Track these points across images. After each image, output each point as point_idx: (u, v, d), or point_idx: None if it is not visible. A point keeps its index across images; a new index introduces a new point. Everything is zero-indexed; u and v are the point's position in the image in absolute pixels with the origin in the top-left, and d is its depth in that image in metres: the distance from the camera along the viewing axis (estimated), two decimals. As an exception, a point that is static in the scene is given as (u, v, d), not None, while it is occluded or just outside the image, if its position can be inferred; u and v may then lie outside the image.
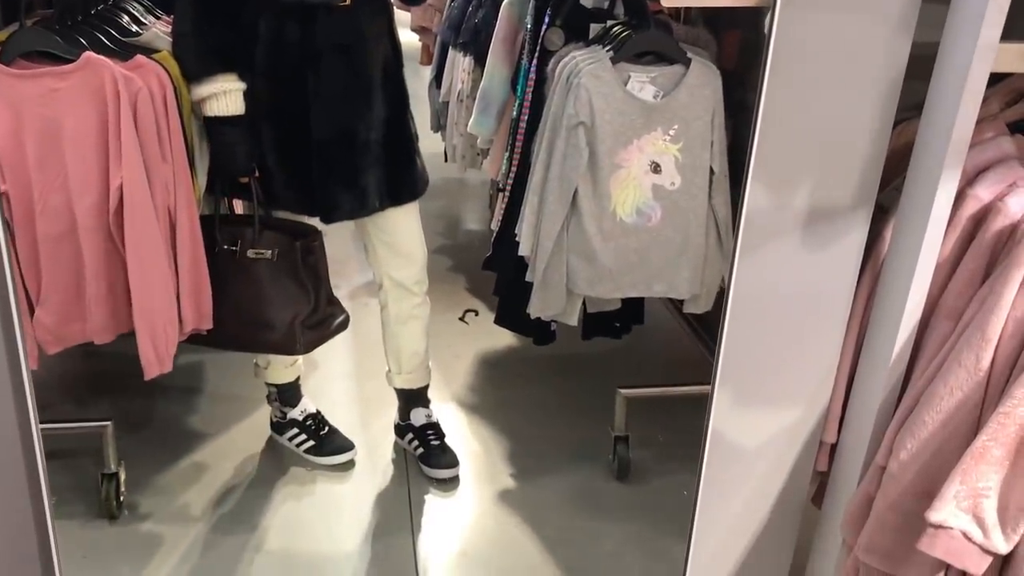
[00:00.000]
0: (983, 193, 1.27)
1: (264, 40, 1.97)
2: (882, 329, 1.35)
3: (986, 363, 1.20)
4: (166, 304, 1.93)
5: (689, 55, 2.11)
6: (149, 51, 1.99)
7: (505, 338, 2.95)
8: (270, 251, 2.07)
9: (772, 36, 1.07)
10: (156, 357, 1.94)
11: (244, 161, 2.02)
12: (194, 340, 2.09)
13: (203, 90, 1.95)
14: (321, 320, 2.16)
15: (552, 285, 2.21)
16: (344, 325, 2.22)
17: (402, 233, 2.26)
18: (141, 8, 2.25)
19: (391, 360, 2.42)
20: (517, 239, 2.25)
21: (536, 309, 2.25)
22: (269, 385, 2.46)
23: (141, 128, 1.86)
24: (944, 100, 1.12)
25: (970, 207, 1.28)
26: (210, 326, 2.07)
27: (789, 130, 1.18)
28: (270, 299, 2.08)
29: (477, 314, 3.23)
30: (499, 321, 2.57)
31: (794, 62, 1.12)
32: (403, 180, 2.19)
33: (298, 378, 2.47)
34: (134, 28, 2.11)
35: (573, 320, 2.29)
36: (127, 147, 1.82)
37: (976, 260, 1.26)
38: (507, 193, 2.43)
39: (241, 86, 1.98)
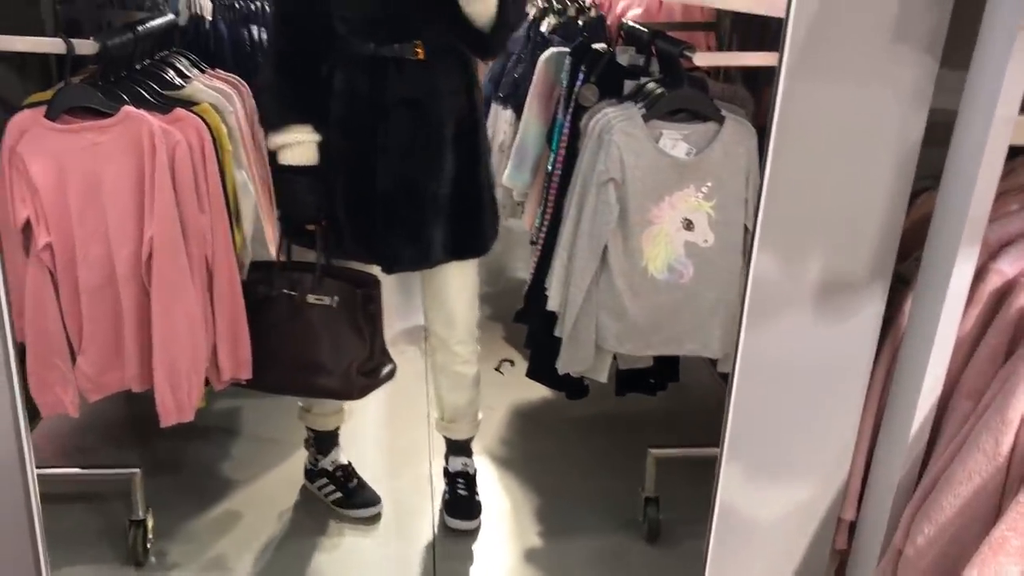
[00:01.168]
0: (1006, 268, 1.23)
1: (338, 93, 1.99)
2: (901, 406, 1.30)
3: (1006, 448, 1.14)
4: (190, 352, 1.96)
5: (723, 112, 2.09)
6: (191, 104, 2.05)
7: (539, 390, 2.92)
8: (330, 298, 2.09)
9: (776, 106, 1.05)
10: (175, 405, 1.97)
11: (313, 210, 2.05)
12: (249, 385, 2.13)
13: (278, 140, 1.99)
14: (375, 367, 2.17)
15: (581, 341, 2.19)
16: (392, 374, 2.23)
17: (451, 290, 2.23)
18: (187, 62, 2.32)
19: (435, 405, 2.44)
20: (547, 293, 2.24)
21: (565, 364, 2.24)
22: (309, 430, 2.48)
23: (178, 180, 1.91)
24: (961, 176, 1.08)
25: (992, 282, 1.23)
26: (249, 375, 2.10)
27: (797, 199, 1.16)
28: (329, 344, 2.10)
29: (513, 364, 3.21)
30: (531, 374, 2.56)
31: (801, 132, 1.10)
32: (469, 236, 2.15)
33: (338, 428, 2.48)
34: (178, 81, 2.18)
35: (603, 377, 2.26)
36: (160, 199, 1.87)
37: (998, 337, 1.21)
38: (539, 246, 2.43)
39: (315, 138, 2.01)
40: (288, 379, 2.13)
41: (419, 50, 1.94)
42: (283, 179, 2.05)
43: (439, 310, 2.27)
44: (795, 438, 1.36)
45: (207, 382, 2.08)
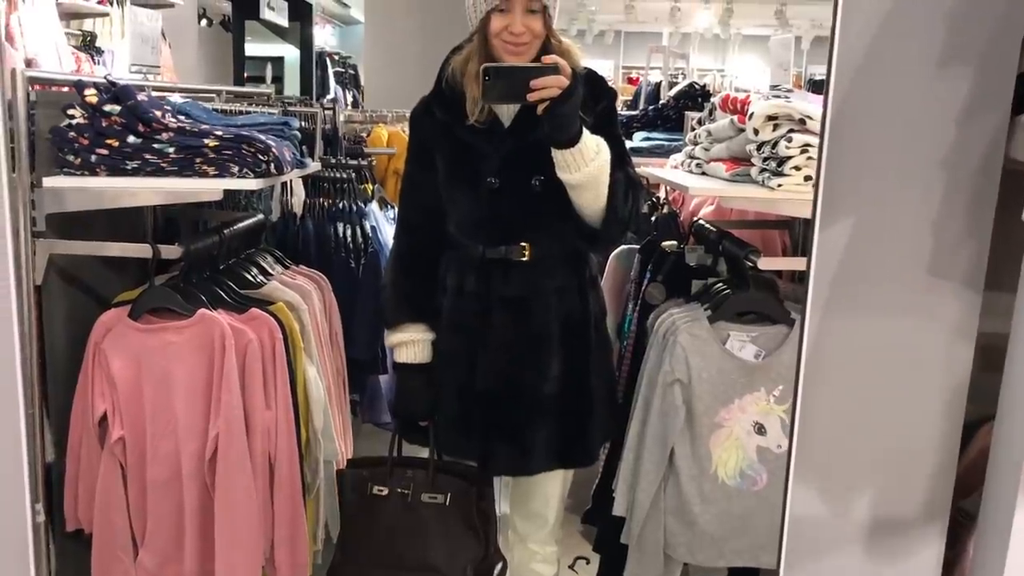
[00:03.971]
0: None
1: (450, 293, 2.02)
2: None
3: None
4: (249, 554, 1.95)
5: (793, 315, 2.05)
6: (267, 303, 2.13)
7: (614, 592, 2.77)
8: (443, 495, 2.04)
9: (804, 342, 1.01)
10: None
11: (425, 407, 2.05)
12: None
13: (394, 338, 2.04)
14: (489, 567, 2.09)
15: (648, 549, 2.09)
16: (504, 572, 2.14)
17: (542, 492, 2.13)
18: (271, 259, 2.43)
19: None
20: (614, 495, 2.16)
21: (633, 574, 2.13)
22: None
23: (247, 377, 1.97)
24: (1015, 414, 1.01)
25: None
26: (306, 576, 2.06)
27: (835, 435, 1.09)
28: (443, 545, 2.04)
29: (588, 563, 3.07)
30: (601, 579, 2.44)
31: (833, 367, 1.05)
32: (575, 442, 2.03)
33: None
34: (260, 278, 2.28)
35: (673, 588, 2.14)
36: (227, 400, 1.91)
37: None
38: (607, 446, 2.37)
39: (429, 336, 2.04)
40: None
41: (526, 251, 1.94)
42: (399, 376, 2.07)
43: (524, 506, 2.18)
44: None
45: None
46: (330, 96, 10.58)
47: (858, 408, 1.07)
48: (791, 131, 1.95)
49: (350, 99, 11.14)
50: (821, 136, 0.97)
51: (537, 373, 1.99)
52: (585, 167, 1.79)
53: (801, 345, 1.00)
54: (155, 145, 1.95)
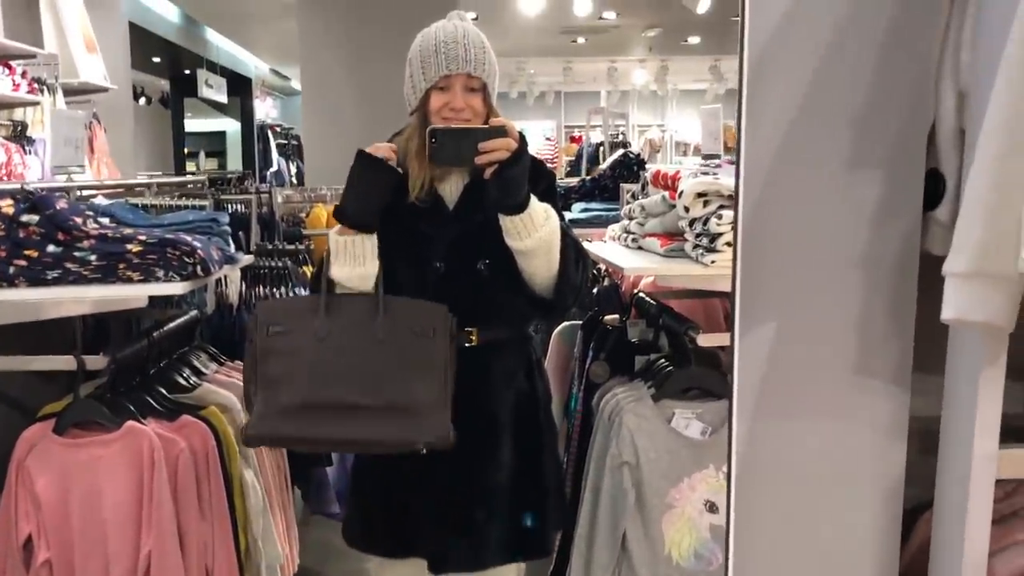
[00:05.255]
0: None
1: None
2: None
3: None
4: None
5: (736, 388, 2.03)
6: (198, 408, 2.07)
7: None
8: None
9: (732, 448, 0.99)
10: None
11: (377, 202, 1.83)
12: None
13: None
14: None
15: (606, 639, 2.03)
16: None
17: None
18: (206, 356, 2.37)
19: None
20: (568, 585, 2.11)
21: (591, 665, 2.07)
22: None
23: (180, 489, 1.89)
24: (950, 514, 0.99)
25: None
26: None
27: (772, 543, 1.06)
28: None
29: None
30: (561, 670, 2.36)
31: (768, 472, 1.02)
32: (530, 533, 1.93)
33: None
34: (193, 380, 2.22)
35: (633, 677, 2.07)
36: (158, 514, 1.84)
37: None
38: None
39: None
40: None
41: (472, 336, 1.87)
42: (351, 176, 1.82)
43: None
44: None
45: None
46: (273, 168, 10.57)
47: (794, 513, 1.04)
48: (721, 207, 1.96)
49: (294, 170, 11.14)
50: (734, 243, 0.97)
51: (488, 462, 1.91)
52: (536, 232, 1.73)
53: (730, 454, 0.98)
54: (76, 253, 1.89)
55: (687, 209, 2.01)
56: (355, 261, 1.82)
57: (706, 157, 2.76)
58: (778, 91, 0.94)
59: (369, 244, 1.82)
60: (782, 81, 0.94)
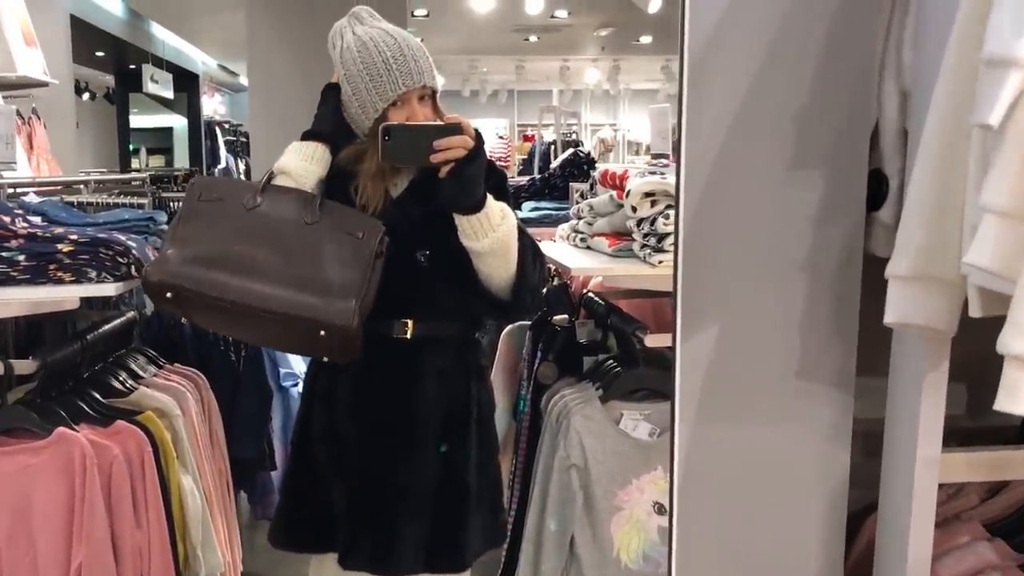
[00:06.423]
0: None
1: (319, 362, 1.90)
2: None
3: None
4: None
5: (684, 389, 2.02)
6: (135, 412, 2.00)
7: None
8: None
9: (675, 452, 0.97)
10: None
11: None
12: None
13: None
14: None
15: (554, 643, 2.01)
16: None
17: None
18: (143, 360, 2.29)
19: None
20: (516, 588, 2.09)
21: (539, 670, 2.04)
22: None
23: (114, 497, 1.83)
24: (894, 517, 0.98)
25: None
26: None
27: (716, 547, 1.04)
28: None
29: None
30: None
31: (710, 477, 1.01)
32: (447, 544, 1.85)
33: None
34: (129, 384, 2.14)
35: None
36: (91, 524, 1.77)
37: None
38: (507, 534, 2.29)
39: None
40: None
41: (407, 328, 1.80)
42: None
43: None
44: None
45: None
46: (221, 165, 10.39)
47: (738, 516, 1.03)
48: (668, 207, 1.95)
49: (242, 167, 10.96)
50: (675, 246, 0.94)
51: (404, 463, 1.83)
52: (493, 232, 1.68)
53: (672, 459, 0.96)
54: (3, 253, 1.82)
55: (635, 209, 2.00)
56: (305, 157, 1.80)
57: (655, 156, 2.75)
58: (718, 90, 0.92)
59: (322, 150, 1.81)
60: (722, 80, 0.92)
